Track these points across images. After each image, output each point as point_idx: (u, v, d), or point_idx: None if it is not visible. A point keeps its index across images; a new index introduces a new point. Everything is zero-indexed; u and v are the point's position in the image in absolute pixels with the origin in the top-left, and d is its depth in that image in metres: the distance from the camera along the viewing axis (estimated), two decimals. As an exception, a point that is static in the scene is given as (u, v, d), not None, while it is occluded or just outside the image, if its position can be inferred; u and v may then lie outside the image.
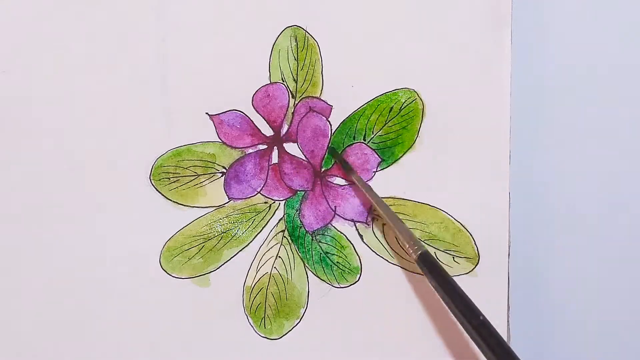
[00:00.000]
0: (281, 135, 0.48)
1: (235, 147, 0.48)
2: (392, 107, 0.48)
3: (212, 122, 0.48)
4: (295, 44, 0.48)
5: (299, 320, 0.49)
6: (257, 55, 0.48)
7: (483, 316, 0.40)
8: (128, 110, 0.48)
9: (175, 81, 0.48)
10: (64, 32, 0.47)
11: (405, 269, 0.48)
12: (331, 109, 0.48)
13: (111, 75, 0.47)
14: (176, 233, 0.48)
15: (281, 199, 0.49)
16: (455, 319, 0.48)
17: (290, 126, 0.48)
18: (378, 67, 0.48)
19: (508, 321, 0.48)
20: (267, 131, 0.48)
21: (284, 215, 0.49)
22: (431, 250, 0.48)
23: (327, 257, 0.49)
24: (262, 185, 0.48)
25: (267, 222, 0.49)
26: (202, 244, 0.48)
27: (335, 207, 0.49)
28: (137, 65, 0.47)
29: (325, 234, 0.49)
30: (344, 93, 0.48)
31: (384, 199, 0.48)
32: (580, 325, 0.53)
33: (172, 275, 0.48)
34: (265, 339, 0.49)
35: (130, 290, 0.48)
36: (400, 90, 0.48)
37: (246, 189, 0.48)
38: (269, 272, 0.49)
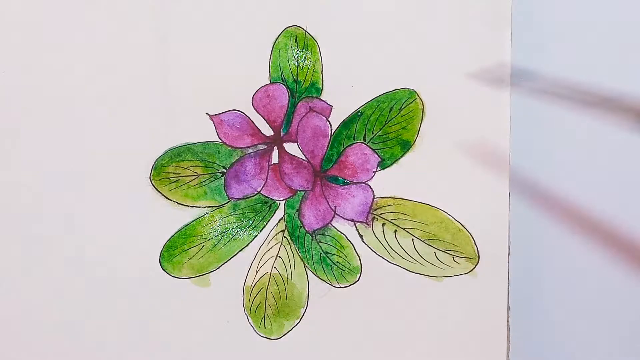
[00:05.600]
0: (281, 135, 0.48)
1: (235, 147, 0.48)
2: (392, 107, 0.48)
3: (212, 122, 0.48)
4: (295, 44, 0.48)
5: (299, 320, 0.49)
6: (257, 55, 0.48)
7: None
8: (128, 110, 0.48)
9: (175, 81, 0.48)
10: (63, 32, 0.47)
11: (405, 269, 0.48)
12: (331, 109, 0.48)
13: (111, 76, 0.47)
14: (176, 233, 0.48)
15: (281, 199, 0.49)
16: (454, 319, 0.48)
17: (290, 126, 0.48)
18: (378, 67, 0.48)
19: (508, 321, 0.48)
20: (267, 131, 0.48)
21: (284, 215, 0.49)
22: (431, 250, 0.48)
23: (327, 257, 0.49)
24: (262, 185, 0.48)
25: (267, 222, 0.49)
26: (202, 244, 0.48)
27: (335, 207, 0.49)
28: (137, 65, 0.47)
29: (325, 234, 0.49)
30: (344, 93, 0.48)
31: (384, 199, 0.48)
32: (579, 325, 0.53)
33: (172, 275, 0.48)
34: (265, 339, 0.49)
35: (130, 290, 0.48)
36: (400, 90, 0.48)
37: (246, 189, 0.48)
38: (269, 272, 0.49)
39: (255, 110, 0.48)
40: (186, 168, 0.48)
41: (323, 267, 0.49)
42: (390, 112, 0.48)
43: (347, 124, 0.48)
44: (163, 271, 0.48)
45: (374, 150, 0.48)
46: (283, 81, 0.48)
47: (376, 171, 0.48)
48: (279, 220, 0.49)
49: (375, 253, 0.49)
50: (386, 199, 0.48)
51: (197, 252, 0.48)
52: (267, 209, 0.49)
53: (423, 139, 0.48)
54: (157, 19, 0.47)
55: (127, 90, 0.47)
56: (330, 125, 0.48)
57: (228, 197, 0.48)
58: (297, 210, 0.49)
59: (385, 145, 0.48)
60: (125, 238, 0.48)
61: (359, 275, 0.49)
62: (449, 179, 0.48)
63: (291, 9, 0.48)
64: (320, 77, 0.48)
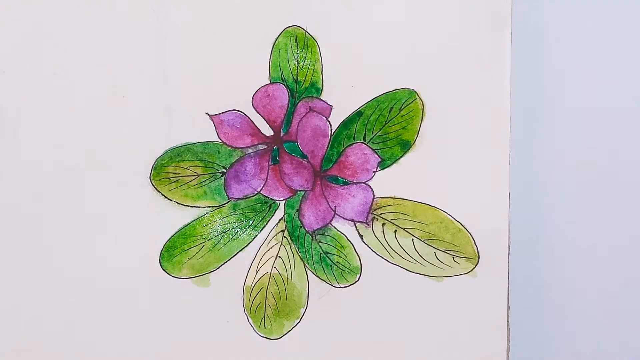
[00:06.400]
0: (281, 135, 0.48)
1: (235, 147, 0.48)
2: (392, 107, 0.48)
3: (212, 122, 0.48)
4: (295, 44, 0.48)
5: (299, 320, 0.49)
6: (257, 55, 0.48)
7: None
8: (128, 110, 0.48)
9: (175, 81, 0.48)
10: (63, 32, 0.47)
11: (405, 269, 0.48)
12: (331, 109, 0.48)
13: (111, 75, 0.47)
14: (176, 233, 0.48)
15: (281, 199, 0.49)
16: (454, 319, 0.48)
17: (290, 126, 0.48)
18: (378, 67, 0.48)
19: (508, 321, 0.48)
20: (267, 131, 0.48)
21: (284, 215, 0.49)
22: (431, 250, 0.48)
23: (327, 257, 0.49)
24: (262, 185, 0.48)
25: (267, 222, 0.49)
26: (202, 244, 0.48)
27: (335, 207, 0.49)
28: (137, 65, 0.47)
29: (325, 234, 0.49)
30: (344, 93, 0.48)
31: (384, 199, 0.48)
32: (580, 325, 0.53)
33: (172, 275, 0.48)
34: (265, 339, 0.49)
35: (131, 290, 0.48)
36: (400, 90, 0.48)
37: (246, 189, 0.48)
38: (269, 272, 0.49)
39: (255, 110, 0.48)
40: (186, 168, 0.48)
41: (323, 267, 0.49)
42: (390, 112, 0.48)
43: (347, 124, 0.48)
44: (163, 271, 0.48)
45: (374, 150, 0.48)
46: (283, 81, 0.48)
47: (376, 171, 0.48)
48: (279, 220, 0.49)
49: (375, 253, 0.49)
50: (386, 199, 0.48)
51: (197, 252, 0.48)
52: (267, 209, 0.49)
53: (423, 139, 0.48)
54: (157, 18, 0.47)
55: (127, 90, 0.47)
56: (330, 125, 0.48)
57: (228, 197, 0.48)
58: (297, 210, 0.49)
59: (385, 145, 0.48)
60: (125, 238, 0.48)
61: (359, 275, 0.49)
62: (449, 179, 0.48)
63: (291, 9, 0.48)
64: (320, 77, 0.48)
